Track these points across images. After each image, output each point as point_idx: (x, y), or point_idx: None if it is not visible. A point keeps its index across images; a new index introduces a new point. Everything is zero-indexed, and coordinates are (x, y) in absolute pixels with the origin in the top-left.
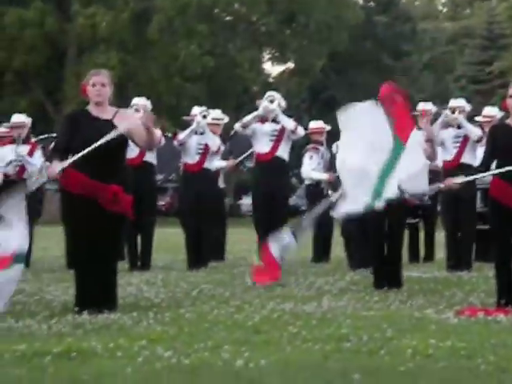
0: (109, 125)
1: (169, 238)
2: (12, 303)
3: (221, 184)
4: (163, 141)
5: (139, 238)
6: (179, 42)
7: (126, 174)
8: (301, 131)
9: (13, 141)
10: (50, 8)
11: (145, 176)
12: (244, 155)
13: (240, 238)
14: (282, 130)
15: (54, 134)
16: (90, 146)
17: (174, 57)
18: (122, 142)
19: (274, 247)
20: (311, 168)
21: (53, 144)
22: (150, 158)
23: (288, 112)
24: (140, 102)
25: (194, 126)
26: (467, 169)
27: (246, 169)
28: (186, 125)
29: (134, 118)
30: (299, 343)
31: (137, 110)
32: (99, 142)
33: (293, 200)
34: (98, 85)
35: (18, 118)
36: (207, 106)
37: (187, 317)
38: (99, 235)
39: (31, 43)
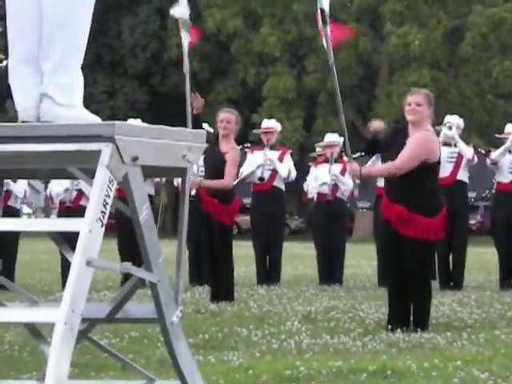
0: None
1: (481, 258)
2: (327, 319)
3: None
4: (476, 159)
5: (451, 257)
6: (493, 58)
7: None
8: None
9: (326, 160)
10: (364, 29)
11: (458, 194)
12: None
13: None
14: None
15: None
16: None
17: (487, 73)
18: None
19: None
20: None
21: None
22: (463, 176)
23: None
24: (452, 119)
25: (508, 144)
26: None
27: None
28: (498, 143)
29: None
30: None
31: (450, 128)
32: None
33: None
34: (413, 104)
35: (331, 137)
36: None
37: (503, 338)
38: (408, 255)
39: (345, 64)
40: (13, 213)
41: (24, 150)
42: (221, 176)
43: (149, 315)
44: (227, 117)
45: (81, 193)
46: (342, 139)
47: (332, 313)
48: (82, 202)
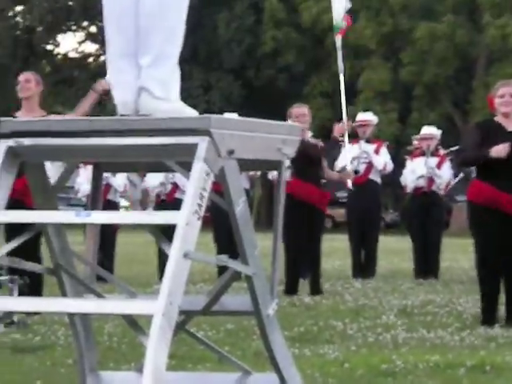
0: None
1: None
2: (423, 314)
3: None
4: None
5: None
6: None
7: None
8: None
9: (423, 153)
10: (461, 20)
11: None
12: None
13: None
14: None
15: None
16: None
17: None
18: None
19: None
20: None
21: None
22: None
23: None
24: None
25: None
26: None
27: None
28: None
29: None
30: None
31: None
32: None
33: None
34: (507, 95)
35: (428, 129)
36: None
37: None
38: (508, 248)
39: (442, 56)
40: (112, 207)
41: (123, 143)
42: (303, 169)
43: (245, 308)
44: (301, 111)
45: (175, 186)
46: (439, 132)
47: (428, 307)
48: (177, 195)
